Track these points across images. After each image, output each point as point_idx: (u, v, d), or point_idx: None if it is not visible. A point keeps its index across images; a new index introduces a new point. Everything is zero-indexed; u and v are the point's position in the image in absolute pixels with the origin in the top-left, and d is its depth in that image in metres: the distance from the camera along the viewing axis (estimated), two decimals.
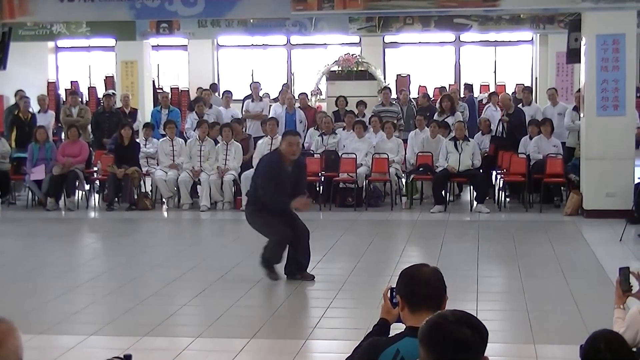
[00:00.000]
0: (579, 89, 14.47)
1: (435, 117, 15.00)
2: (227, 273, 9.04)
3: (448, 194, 13.88)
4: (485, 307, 7.51)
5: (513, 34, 20.73)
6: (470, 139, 13.72)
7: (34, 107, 16.10)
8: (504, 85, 20.70)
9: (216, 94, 18.00)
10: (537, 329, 6.80)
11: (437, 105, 15.61)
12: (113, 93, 17.35)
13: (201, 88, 19.22)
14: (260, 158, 9.58)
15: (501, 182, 13.97)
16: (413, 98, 17.61)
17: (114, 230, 12.57)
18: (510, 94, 15.81)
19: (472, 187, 13.62)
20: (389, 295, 3.53)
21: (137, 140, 14.69)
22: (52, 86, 20.77)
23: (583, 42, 12.57)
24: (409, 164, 14.23)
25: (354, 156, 13.79)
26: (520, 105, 15.33)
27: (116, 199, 14.03)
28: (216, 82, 21.97)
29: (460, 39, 21.57)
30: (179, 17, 13.70)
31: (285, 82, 20.24)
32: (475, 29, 18.03)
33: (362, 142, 14.12)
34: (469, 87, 18.39)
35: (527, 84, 19.81)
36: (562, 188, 13.68)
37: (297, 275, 8.67)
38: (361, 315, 7.25)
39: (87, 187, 14.68)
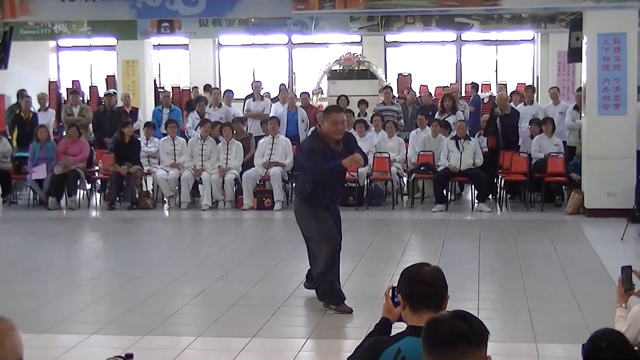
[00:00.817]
0: (579, 88, 14.49)
1: (437, 116, 15.00)
2: (229, 272, 9.04)
3: (449, 193, 13.88)
4: (487, 306, 7.51)
5: (514, 33, 20.70)
6: (471, 138, 13.71)
7: (35, 106, 16.11)
8: (505, 84, 20.67)
9: (208, 94, 17.92)
10: (539, 328, 6.80)
11: (439, 104, 15.60)
12: (114, 92, 17.35)
13: (197, 88, 19.20)
14: (299, 145, 8.06)
15: (502, 181, 13.98)
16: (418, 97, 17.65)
17: (115, 229, 12.57)
18: (508, 94, 15.75)
19: (473, 186, 13.62)
20: (390, 294, 3.53)
21: (138, 139, 14.69)
22: (53, 85, 20.77)
23: (584, 41, 12.57)
24: (410, 163, 14.23)
25: None
26: (522, 105, 15.33)
27: (117, 198, 14.04)
28: (217, 81, 21.97)
29: (462, 38, 21.55)
30: (180, 16, 13.71)
31: (283, 82, 20.19)
32: (476, 28, 18.01)
33: (363, 141, 14.07)
34: (475, 87, 18.37)
35: (529, 83, 19.78)
36: (563, 187, 13.68)
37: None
38: (362, 314, 7.24)
39: (88, 186, 14.70)
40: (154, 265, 9.63)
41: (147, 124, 15.20)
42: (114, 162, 13.94)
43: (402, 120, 15.71)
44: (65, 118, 15.91)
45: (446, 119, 14.74)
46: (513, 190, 14.15)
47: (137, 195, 14.03)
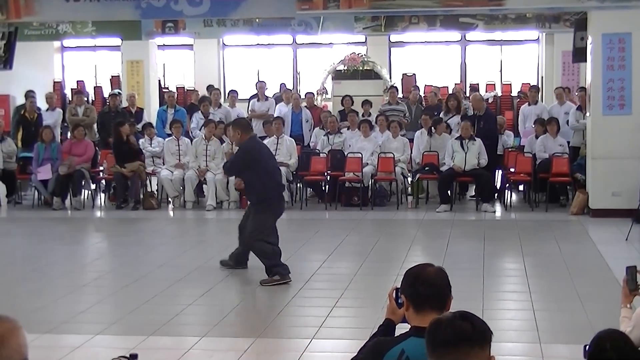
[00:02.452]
0: (581, 88, 14.50)
1: (441, 116, 14.98)
2: (233, 272, 9.05)
3: (454, 193, 13.86)
4: (491, 307, 7.51)
5: (519, 33, 20.65)
6: (476, 138, 13.67)
7: (41, 106, 16.12)
8: (510, 84, 20.66)
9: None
10: (543, 328, 6.80)
11: (444, 104, 15.60)
12: (119, 92, 17.35)
13: (197, 91, 19.09)
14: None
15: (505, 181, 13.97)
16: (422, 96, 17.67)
17: (120, 229, 12.59)
18: (481, 95, 15.71)
19: (477, 186, 13.61)
20: (394, 295, 3.53)
21: (142, 140, 14.68)
22: (58, 86, 20.76)
23: (589, 41, 12.55)
24: (415, 163, 14.22)
25: (360, 155, 13.79)
26: (526, 105, 15.32)
27: (125, 197, 14.07)
28: (222, 81, 21.96)
29: (466, 38, 21.50)
30: (184, 16, 13.70)
31: (284, 82, 20.18)
32: (481, 28, 17.99)
33: (367, 142, 14.12)
34: (474, 88, 18.35)
35: (533, 83, 19.76)
36: (568, 187, 13.66)
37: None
38: (367, 314, 7.25)
39: (93, 186, 14.71)
40: (159, 265, 9.64)
41: (145, 125, 15.17)
42: (114, 164, 14.00)
43: (408, 120, 15.64)
44: (70, 118, 15.91)
45: (450, 119, 14.73)
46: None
47: (141, 195, 14.07)
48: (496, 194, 13.96)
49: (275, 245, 8.67)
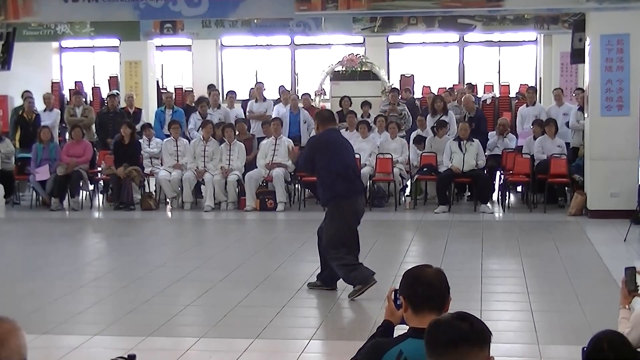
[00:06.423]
0: (578, 89, 14.50)
1: (428, 118, 14.98)
2: (231, 273, 9.05)
3: (452, 195, 13.87)
4: (490, 308, 7.51)
5: (517, 34, 20.67)
6: (474, 139, 13.67)
7: (39, 106, 16.12)
8: (508, 85, 20.67)
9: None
10: (542, 329, 6.80)
11: (430, 106, 15.54)
12: (117, 93, 17.34)
13: (192, 92, 19.07)
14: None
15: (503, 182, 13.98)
16: (417, 98, 17.60)
17: (118, 230, 12.58)
18: (473, 97, 15.73)
19: (476, 187, 13.61)
20: (392, 297, 3.54)
21: (141, 140, 14.67)
22: (56, 86, 20.75)
23: (587, 42, 12.57)
24: (413, 166, 14.22)
25: (358, 156, 13.77)
26: (525, 106, 15.34)
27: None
28: (220, 82, 21.97)
29: (464, 39, 21.51)
30: (182, 17, 13.70)
31: (282, 85, 20.18)
32: (479, 29, 18.00)
33: (366, 142, 14.12)
34: (471, 88, 18.36)
35: (532, 84, 19.76)
36: (566, 188, 13.67)
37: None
38: (365, 315, 7.24)
39: (91, 187, 14.71)
40: (157, 266, 9.64)
41: (144, 126, 15.15)
42: (110, 165, 14.00)
43: (405, 121, 15.63)
44: (68, 119, 15.90)
45: (440, 120, 14.71)
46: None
47: (139, 196, 14.07)
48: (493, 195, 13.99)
49: (353, 254, 8.10)
